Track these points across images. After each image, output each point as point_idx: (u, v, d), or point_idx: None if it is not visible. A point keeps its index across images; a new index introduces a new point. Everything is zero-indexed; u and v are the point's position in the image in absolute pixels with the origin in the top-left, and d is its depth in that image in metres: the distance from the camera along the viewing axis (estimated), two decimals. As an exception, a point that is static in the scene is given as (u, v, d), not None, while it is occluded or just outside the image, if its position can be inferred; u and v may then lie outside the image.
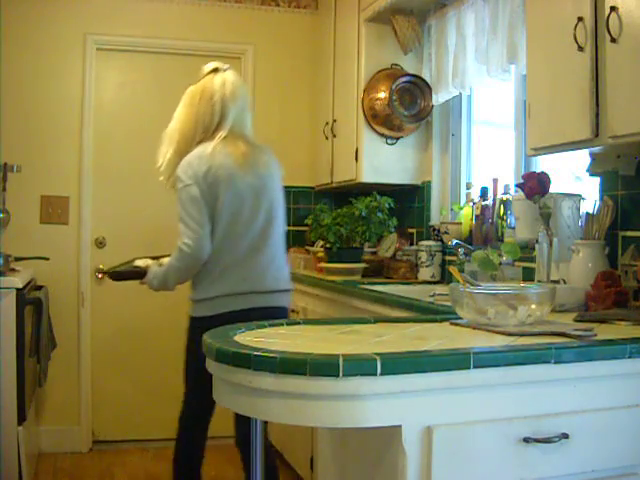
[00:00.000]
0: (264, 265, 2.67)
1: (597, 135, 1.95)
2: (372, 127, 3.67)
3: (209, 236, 2.59)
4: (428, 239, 3.54)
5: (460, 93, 3.40)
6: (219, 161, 2.59)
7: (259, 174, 2.69)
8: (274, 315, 2.52)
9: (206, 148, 2.61)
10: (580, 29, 1.97)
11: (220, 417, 3.98)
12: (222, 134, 2.65)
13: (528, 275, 2.64)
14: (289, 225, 4.44)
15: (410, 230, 3.86)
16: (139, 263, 2.88)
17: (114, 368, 4.13)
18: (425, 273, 3.39)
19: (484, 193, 3.08)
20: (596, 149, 2.18)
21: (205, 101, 2.67)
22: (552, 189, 2.32)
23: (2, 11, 3.88)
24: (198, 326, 2.51)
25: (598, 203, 2.31)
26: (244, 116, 2.74)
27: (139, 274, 2.82)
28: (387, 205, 3.49)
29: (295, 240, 4.41)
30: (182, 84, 4.30)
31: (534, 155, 2.35)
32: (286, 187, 4.37)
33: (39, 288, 3.52)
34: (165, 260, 2.77)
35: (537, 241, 2.33)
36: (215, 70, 2.74)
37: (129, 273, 2.89)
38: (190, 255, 2.57)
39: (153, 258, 2.92)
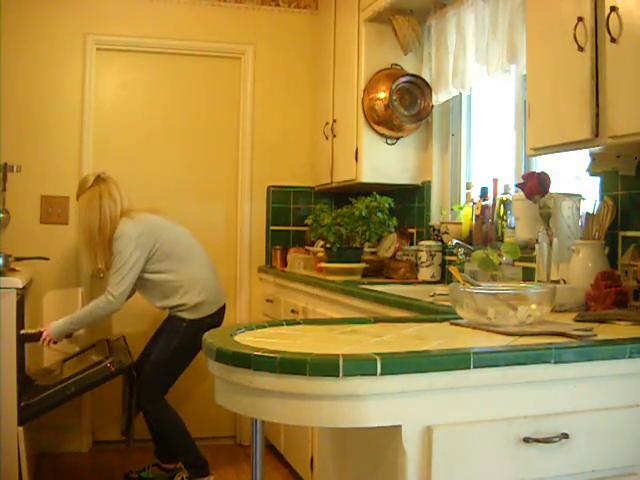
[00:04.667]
0: None
1: (597, 135, 1.95)
2: (372, 127, 3.67)
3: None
4: (428, 239, 3.53)
5: (460, 93, 3.39)
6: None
7: None
8: None
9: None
10: (580, 29, 1.97)
11: (220, 417, 3.99)
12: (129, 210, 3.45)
13: (528, 275, 2.64)
14: (289, 225, 4.49)
15: (410, 230, 3.86)
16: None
17: (114, 368, 4.12)
18: (425, 273, 3.39)
19: (484, 193, 3.08)
20: (596, 149, 2.18)
21: (106, 200, 3.40)
22: (552, 189, 2.32)
23: (2, 11, 3.88)
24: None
25: (598, 203, 2.31)
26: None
27: (34, 336, 3.34)
28: (387, 205, 3.49)
29: (295, 240, 4.41)
30: (182, 84, 4.35)
31: (534, 155, 2.35)
32: (286, 187, 4.44)
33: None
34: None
35: (537, 241, 2.33)
36: (98, 176, 3.46)
37: (29, 336, 3.38)
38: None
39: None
